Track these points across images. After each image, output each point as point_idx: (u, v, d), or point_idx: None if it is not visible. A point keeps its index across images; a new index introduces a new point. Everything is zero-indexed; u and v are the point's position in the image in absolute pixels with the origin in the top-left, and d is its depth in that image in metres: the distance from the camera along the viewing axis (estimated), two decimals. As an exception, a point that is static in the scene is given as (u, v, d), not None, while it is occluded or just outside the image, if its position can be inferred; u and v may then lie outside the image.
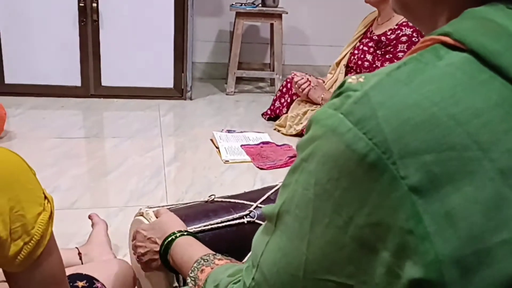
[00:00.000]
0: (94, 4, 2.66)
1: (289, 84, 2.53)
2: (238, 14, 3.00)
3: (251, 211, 1.09)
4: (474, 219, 0.35)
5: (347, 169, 0.37)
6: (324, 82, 2.45)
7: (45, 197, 0.59)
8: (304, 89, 2.33)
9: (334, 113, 0.39)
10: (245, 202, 1.12)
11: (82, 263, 1.15)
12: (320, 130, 0.40)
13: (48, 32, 2.68)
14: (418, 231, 0.35)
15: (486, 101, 0.36)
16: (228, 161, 2.03)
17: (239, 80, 3.23)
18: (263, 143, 2.24)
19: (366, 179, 0.36)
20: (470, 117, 0.36)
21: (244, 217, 1.08)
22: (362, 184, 0.37)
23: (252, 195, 1.18)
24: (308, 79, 2.36)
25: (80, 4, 2.65)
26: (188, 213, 1.05)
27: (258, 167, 1.99)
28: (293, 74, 2.47)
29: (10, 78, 2.70)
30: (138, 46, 2.79)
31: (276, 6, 3.06)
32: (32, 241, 0.55)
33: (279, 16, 3.02)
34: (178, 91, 2.89)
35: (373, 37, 2.20)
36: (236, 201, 1.12)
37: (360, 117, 0.37)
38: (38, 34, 2.67)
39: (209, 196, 1.14)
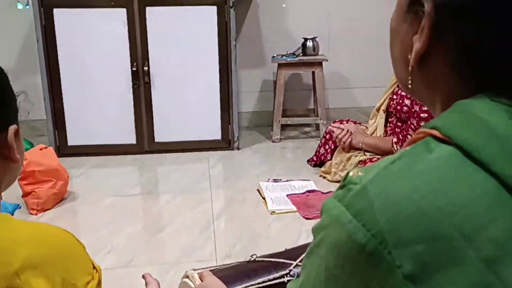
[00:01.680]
0: (146, 68, 2.87)
1: (331, 132, 2.57)
2: (280, 65, 3.12)
3: (291, 270, 1.14)
4: None
5: (350, 257, 0.43)
6: (366, 127, 2.48)
7: (94, 267, 0.69)
8: (346, 141, 2.38)
9: (338, 204, 0.45)
10: (285, 261, 1.17)
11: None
12: (327, 220, 0.45)
13: (105, 95, 2.91)
14: None
15: (470, 194, 0.41)
16: (274, 211, 2.08)
17: (284, 126, 3.31)
18: (309, 191, 2.28)
19: (367, 266, 0.41)
20: (455, 209, 0.40)
21: (284, 276, 1.12)
22: (364, 271, 0.42)
23: (293, 253, 1.22)
24: (348, 130, 2.41)
25: (133, 69, 2.87)
26: (230, 274, 1.11)
27: (304, 216, 2.03)
28: (331, 127, 2.53)
29: (72, 140, 2.93)
30: (187, 101, 2.96)
31: (316, 54, 3.16)
32: None
33: (319, 64, 3.11)
34: (225, 142, 3.02)
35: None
36: (277, 260, 1.17)
37: (358, 209, 0.42)
38: (96, 98, 2.91)
39: (251, 256, 1.19)
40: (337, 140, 2.44)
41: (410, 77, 0.53)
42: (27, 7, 2.92)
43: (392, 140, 2.26)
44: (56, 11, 2.79)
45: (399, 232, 0.40)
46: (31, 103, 2.89)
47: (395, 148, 2.20)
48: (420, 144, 0.46)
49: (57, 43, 2.81)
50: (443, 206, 0.40)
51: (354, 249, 0.42)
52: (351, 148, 2.42)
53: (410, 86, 0.53)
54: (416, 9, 0.49)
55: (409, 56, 0.51)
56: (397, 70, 0.57)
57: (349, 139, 2.39)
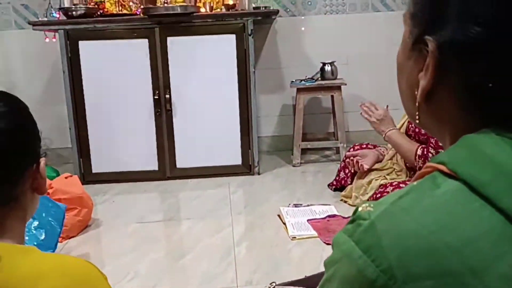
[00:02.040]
0: (167, 95, 2.94)
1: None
2: (299, 90, 3.15)
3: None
4: None
5: None
6: (386, 148, 2.47)
7: None
8: (359, 167, 2.38)
9: (348, 239, 0.46)
10: (305, 289, 1.18)
11: None
12: (338, 255, 0.47)
13: (128, 123, 2.98)
14: None
15: (477, 229, 0.41)
16: (295, 237, 2.08)
17: (304, 150, 3.32)
18: (330, 216, 2.27)
19: None
20: (463, 245, 0.41)
21: (303, 305, 1.13)
22: None
23: (312, 281, 1.23)
24: (357, 156, 2.42)
25: (155, 97, 2.94)
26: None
27: (324, 242, 2.02)
28: (346, 159, 2.52)
29: (96, 168, 3.00)
30: (207, 127, 3.00)
31: (335, 78, 3.18)
32: None
33: (338, 88, 3.12)
34: (246, 167, 3.04)
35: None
36: (296, 288, 1.18)
37: (368, 245, 0.43)
38: (119, 125, 2.98)
39: (270, 284, 1.20)
40: (352, 168, 2.45)
41: (417, 113, 0.54)
42: (54, 40, 3.04)
43: (417, 151, 2.17)
44: (82, 43, 2.89)
45: (408, 268, 0.41)
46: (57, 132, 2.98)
47: (417, 161, 2.15)
48: (428, 179, 0.47)
49: (82, 74, 2.91)
50: (451, 242, 0.41)
51: (364, 284, 0.43)
52: (371, 170, 2.41)
53: (418, 120, 0.55)
54: (420, 47, 0.51)
55: (416, 92, 0.52)
56: (405, 104, 0.58)
57: (364, 166, 2.38)
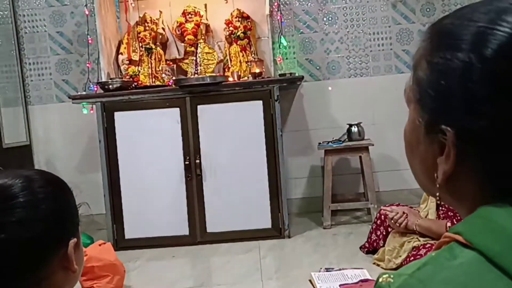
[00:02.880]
0: (197, 161, 3.02)
1: (382, 216, 2.54)
2: (327, 152, 3.19)
3: None
4: None
5: None
6: (418, 211, 2.44)
7: None
8: (401, 223, 2.34)
9: None
10: None
11: None
12: None
13: (159, 189, 3.06)
14: None
15: None
16: (327, 303, 2.03)
17: (335, 212, 3.30)
18: (362, 281, 2.21)
19: None
20: None
21: None
22: None
23: None
24: (403, 211, 2.37)
25: (186, 162, 3.03)
26: None
27: (358, 308, 1.96)
28: (383, 210, 2.50)
29: (129, 233, 3.06)
30: (237, 191, 3.04)
31: (362, 139, 3.21)
32: None
33: (366, 148, 3.14)
34: (276, 230, 3.03)
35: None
36: None
37: None
38: (152, 191, 3.06)
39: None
40: (392, 222, 2.39)
41: (438, 194, 0.56)
42: (92, 112, 3.23)
43: (446, 224, 2.20)
44: (117, 114, 3.05)
45: None
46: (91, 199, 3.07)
47: None
48: (445, 249, 0.49)
49: (117, 143, 3.05)
50: None
51: None
52: (406, 231, 2.37)
53: (438, 199, 0.56)
54: (436, 134, 0.52)
55: (435, 175, 0.54)
56: (423, 184, 0.59)
57: (405, 221, 2.34)
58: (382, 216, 2.54)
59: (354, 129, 3.22)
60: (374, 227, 2.62)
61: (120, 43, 3.53)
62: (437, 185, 0.54)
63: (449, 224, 2.19)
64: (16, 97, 3.58)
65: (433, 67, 0.53)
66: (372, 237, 2.61)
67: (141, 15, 3.51)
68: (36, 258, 0.75)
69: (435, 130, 0.52)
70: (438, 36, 0.54)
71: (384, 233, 2.52)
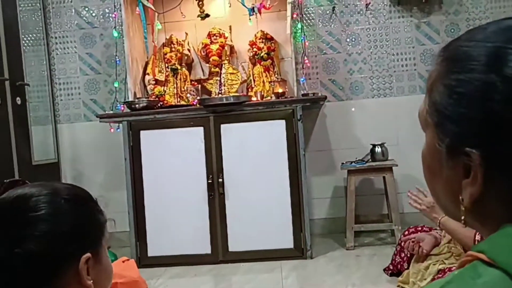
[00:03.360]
0: (220, 180, 3.04)
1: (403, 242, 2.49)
2: (350, 172, 3.17)
3: None
4: None
5: None
6: (442, 236, 2.39)
7: None
8: (419, 251, 2.29)
9: None
10: None
11: None
12: None
13: (182, 207, 3.08)
14: None
15: None
16: (350, 326, 2.00)
17: (358, 233, 3.25)
18: (386, 303, 2.17)
19: None
20: None
21: None
22: None
23: None
24: (418, 238, 2.33)
25: (209, 181, 3.06)
26: None
27: (382, 332, 1.92)
28: (402, 242, 2.45)
29: (152, 251, 3.08)
30: (259, 210, 3.04)
31: (386, 160, 3.18)
32: None
33: (389, 169, 3.11)
34: (298, 251, 3.01)
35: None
36: None
37: None
38: (175, 209, 3.08)
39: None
40: (412, 251, 2.36)
41: (463, 217, 0.55)
42: (118, 130, 3.30)
43: (475, 236, 2.08)
44: (143, 133, 3.11)
45: None
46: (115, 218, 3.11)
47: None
48: (469, 268, 0.49)
49: (142, 161, 3.10)
50: None
51: None
52: (428, 255, 2.31)
53: (463, 222, 0.56)
54: (460, 156, 0.52)
55: (460, 197, 0.53)
56: (446, 207, 0.59)
57: (423, 250, 2.29)
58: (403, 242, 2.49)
59: (378, 149, 3.20)
60: (398, 249, 2.58)
61: (146, 63, 3.62)
62: (463, 208, 0.54)
63: (478, 237, 2.08)
64: (46, 116, 3.70)
65: (451, 89, 0.53)
66: (396, 259, 2.56)
67: (167, 37, 3.61)
68: (51, 271, 0.76)
69: (458, 153, 0.52)
70: (452, 58, 0.54)
71: (408, 255, 2.47)
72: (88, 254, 0.80)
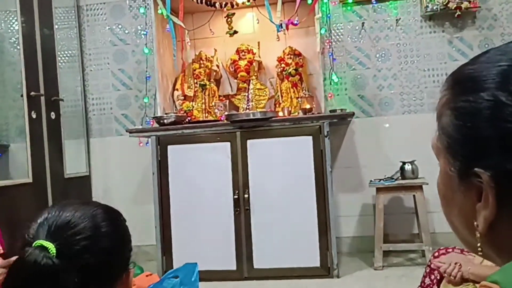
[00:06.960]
0: (246, 195, 3.03)
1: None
2: (378, 189, 3.10)
3: None
4: None
5: None
6: (474, 256, 2.29)
7: None
8: (456, 275, 2.20)
9: None
10: None
11: None
12: None
13: (208, 223, 3.08)
14: None
15: None
16: None
17: (387, 253, 3.17)
18: (414, 327, 2.09)
19: None
20: None
21: None
22: None
23: None
24: (456, 262, 2.24)
25: (235, 196, 3.05)
26: None
27: None
28: (434, 263, 2.36)
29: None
30: (285, 227, 3.01)
31: (416, 177, 3.10)
32: None
33: (419, 187, 3.03)
34: (325, 270, 2.95)
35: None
36: None
37: None
38: (200, 225, 3.09)
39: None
40: (446, 275, 2.26)
41: (479, 244, 0.53)
42: (147, 145, 3.35)
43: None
44: (170, 147, 3.15)
45: None
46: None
47: None
48: None
49: (169, 176, 3.13)
50: None
51: None
52: (462, 280, 2.22)
53: (480, 252, 0.53)
54: (471, 179, 0.51)
55: (475, 223, 0.52)
56: (462, 237, 0.57)
57: (460, 273, 2.20)
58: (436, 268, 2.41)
59: (408, 167, 3.13)
60: (428, 270, 2.49)
61: (176, 79, 3.68)
62: (478, 235, 0.52)
63: None
64: (79, 130, 3.80)
65: (458, 112, 0.52)
66: (426, 281, 2.47)
67: (196, 53, 3.66)
68: (102, 283, 0.79)
69: (469, 175, 0.51)
70: (459, 82, 0.54)
71: (438, 278, 2.38)
72: (133, 269, 0.87)
